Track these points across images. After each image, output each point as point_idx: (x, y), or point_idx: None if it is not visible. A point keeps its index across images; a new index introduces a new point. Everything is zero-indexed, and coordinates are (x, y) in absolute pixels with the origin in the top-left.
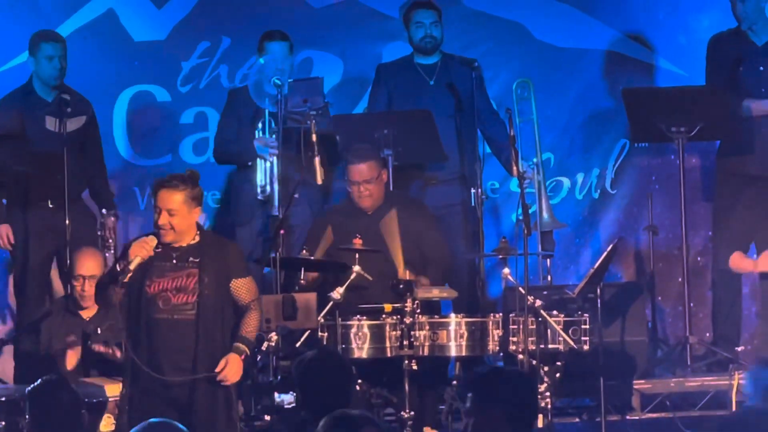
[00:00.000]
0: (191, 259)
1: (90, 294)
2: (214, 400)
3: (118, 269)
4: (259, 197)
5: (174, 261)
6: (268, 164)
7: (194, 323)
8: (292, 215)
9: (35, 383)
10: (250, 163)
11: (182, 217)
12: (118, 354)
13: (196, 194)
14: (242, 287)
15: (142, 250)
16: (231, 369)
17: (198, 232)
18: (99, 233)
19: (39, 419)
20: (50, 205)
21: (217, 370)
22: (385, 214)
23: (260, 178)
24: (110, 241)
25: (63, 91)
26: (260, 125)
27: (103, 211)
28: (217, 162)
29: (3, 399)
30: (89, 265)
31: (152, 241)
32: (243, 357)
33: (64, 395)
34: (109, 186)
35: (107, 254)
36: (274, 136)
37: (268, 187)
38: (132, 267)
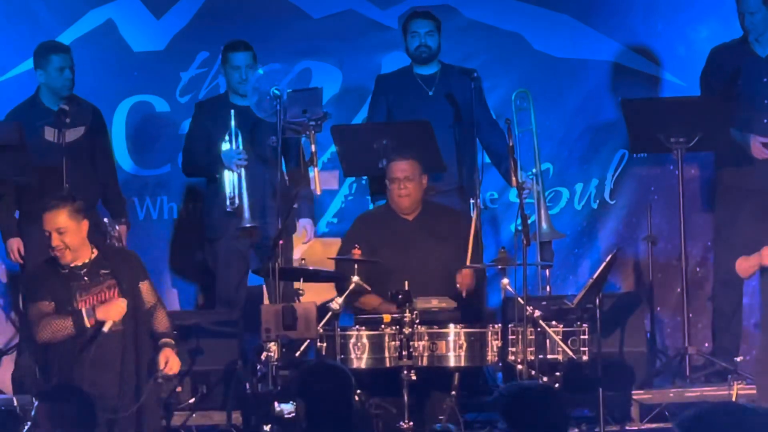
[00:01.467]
0: (102, 271)
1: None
2: (148, 401)
3: (90, 329)
4: (228, 209)
5: (86, 278)
6: (235, 176)
7: (123, 333)
8: (268, 228)
9: (46, 388)
10: (218, 175)
11: (72, 233)
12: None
13: (78, 207)
14: (148, 289)
15: (118, 315)
16: (173, 361)
17: (93, 246)
18: (108, 242)
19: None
20: None
21: (161, 366)
22: (426, 222)
23: (228, 189)
24: None
25: (69, 101)
26: (227, 137)
27: (105, 219)
28: (186, 175)
29: (2, 409)
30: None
31: (124, 303)
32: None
33: (76, 400)
34: (120, 194)
35: None
36: (240, 147)
37: (236, 199)
38: (105, 329)
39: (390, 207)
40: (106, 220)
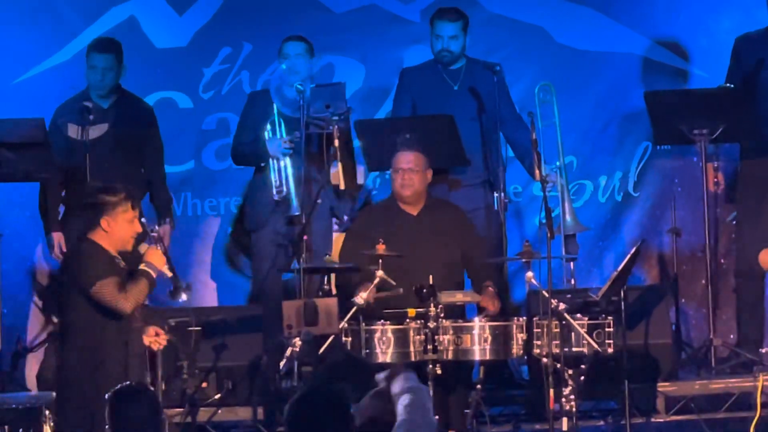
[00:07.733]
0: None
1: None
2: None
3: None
4: (275, 198)
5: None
6: (282, 164)
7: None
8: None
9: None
10: (263, 164)
11: None
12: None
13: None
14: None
15: (162, 260)
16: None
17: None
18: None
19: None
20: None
21: None
22: (429, 218)
23: (274, 178)
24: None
25: (121, 96)
26: (269, 127)
27: (143, 220)
28: (235, 163)
29: (27, 406)
30: None
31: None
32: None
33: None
34: (165, 192)
35: None
36: (286, 136)
37: (284, 188)
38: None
39: (394, 201)
40: (143, 220)
